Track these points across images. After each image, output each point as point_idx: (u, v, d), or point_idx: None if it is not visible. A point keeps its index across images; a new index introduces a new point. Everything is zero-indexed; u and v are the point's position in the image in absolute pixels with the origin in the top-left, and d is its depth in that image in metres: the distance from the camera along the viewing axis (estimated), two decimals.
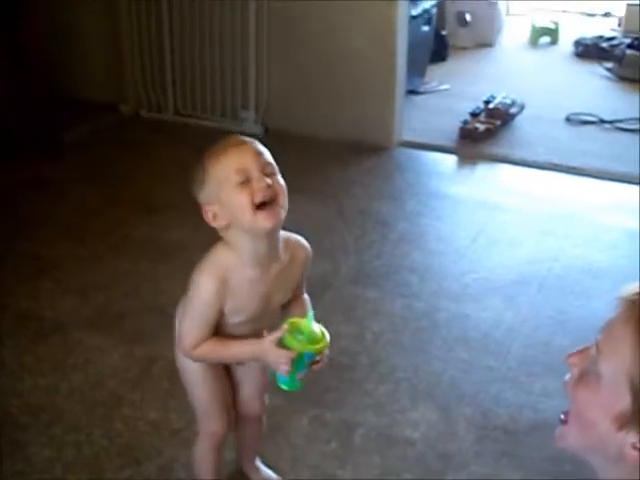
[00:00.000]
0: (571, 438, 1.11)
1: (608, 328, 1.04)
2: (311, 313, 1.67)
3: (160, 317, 2.71)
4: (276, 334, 1.64)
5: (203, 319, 1.70)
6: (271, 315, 1.77)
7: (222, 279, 1.66)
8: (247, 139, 1.68)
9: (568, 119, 5.09)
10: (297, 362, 1.63)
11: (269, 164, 1.64)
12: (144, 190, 3.96)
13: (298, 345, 1.61)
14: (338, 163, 4.36)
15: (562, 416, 1.13)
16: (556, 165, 4.37)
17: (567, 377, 1.12)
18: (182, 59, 4.83)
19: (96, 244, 3.47)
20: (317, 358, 1.65)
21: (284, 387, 1.69)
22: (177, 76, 4.88)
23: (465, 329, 2.91)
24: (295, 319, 1.68)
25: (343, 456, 2.30)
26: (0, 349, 2.75)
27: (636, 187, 4.00)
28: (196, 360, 1.79)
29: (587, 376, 1.06)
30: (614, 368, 1.02)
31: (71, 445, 2.33)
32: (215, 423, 1.93)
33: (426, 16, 5.44)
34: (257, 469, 2.20)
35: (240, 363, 1.92)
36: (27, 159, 4.05)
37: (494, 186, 4.19)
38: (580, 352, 1.10)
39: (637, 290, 1.03)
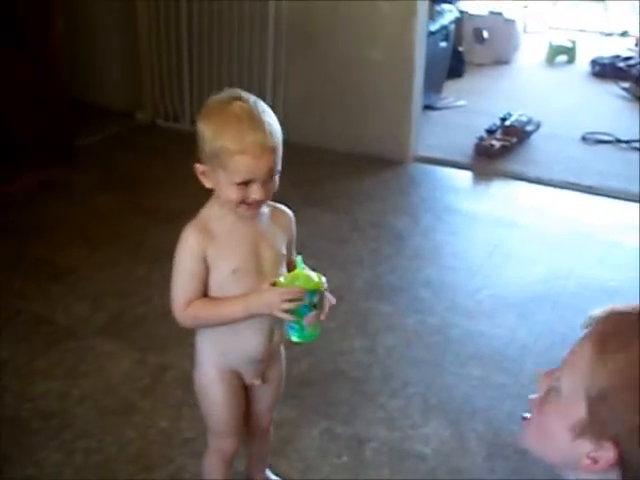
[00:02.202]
0: (532, 445, 1.14)
1: (573, 345, 1.07)
2: (300, 258, 1.64)
3: (173, 325, 2.69)
4: (271, 280, 1.62)
5: (190, 272, 1.66)
6: (264, 276, 1.68)
7: (204, 227, 1.67)
8: (265, 122, 1.55)
9: (584, 138, 5.08)
10: (299, 307, 1.59)
11: (276, 164, 1.59)
12: (159, 197, 3.97)
13: (295, 286, 1.59)
14: (353, 176, 4.36)
15: (526, 415, 1.15)
16: (571, 184, 4.37)
17: (533, 396, 1.15)
18: (200, 69, 4.85)
19: (110, 250, 3.48)
20: (318, 302, 1.61)
21: (296, 339, 1.64)
22: (194, 85, 4.90)
23: (478, 345, 2.90)
24: (288, 273, 1.67)
25: (354, 470, 2.29)
26: (13, 353, 2.76)
27: None
28: (190, 324, 1.74)
29: (550, 392, 1.09)
30: (572, 380, 1.04)
31: (81, 451, 2.33)
32: (227, 442, 1.91)
33: (444, 32, 5.46)
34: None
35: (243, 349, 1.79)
36: (41, 164, 4.07)
37: (509, 203, 4.18)
38: (551, 371, 1.12)
39: (607, 309, 1.05)
